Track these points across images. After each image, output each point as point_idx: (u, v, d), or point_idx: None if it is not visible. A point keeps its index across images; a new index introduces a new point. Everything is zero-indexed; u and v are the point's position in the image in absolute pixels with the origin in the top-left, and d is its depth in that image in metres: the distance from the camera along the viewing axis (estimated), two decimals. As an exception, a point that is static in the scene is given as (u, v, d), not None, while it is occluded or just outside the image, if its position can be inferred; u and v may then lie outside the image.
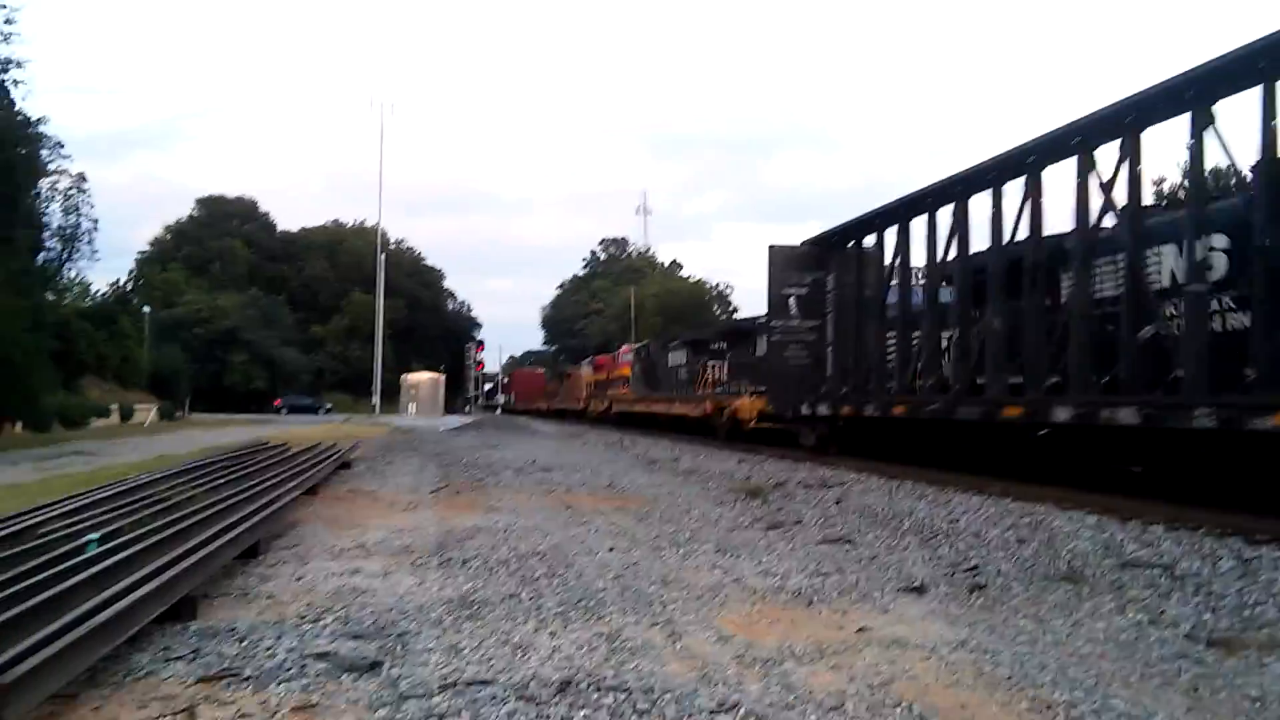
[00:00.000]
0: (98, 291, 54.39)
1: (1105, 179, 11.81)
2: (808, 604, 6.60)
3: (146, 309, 59.94)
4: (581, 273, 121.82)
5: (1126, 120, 11.24)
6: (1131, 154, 11.15)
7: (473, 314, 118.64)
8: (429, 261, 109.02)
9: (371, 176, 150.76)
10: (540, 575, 7.43)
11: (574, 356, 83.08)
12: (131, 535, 7.72)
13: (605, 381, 57.83)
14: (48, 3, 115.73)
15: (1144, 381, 11.34)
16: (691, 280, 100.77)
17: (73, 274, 44.01)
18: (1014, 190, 13.81)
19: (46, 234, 38.45)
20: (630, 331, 76.29)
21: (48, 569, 6.05)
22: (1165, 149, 37.63)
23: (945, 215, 15.47)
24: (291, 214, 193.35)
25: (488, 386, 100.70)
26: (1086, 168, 12.18)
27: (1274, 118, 9.17)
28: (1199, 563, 8.00)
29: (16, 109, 32.38)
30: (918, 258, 16.69)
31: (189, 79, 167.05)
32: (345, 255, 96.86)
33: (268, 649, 5.24)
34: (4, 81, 30.95)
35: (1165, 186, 40.48)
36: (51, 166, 38.11)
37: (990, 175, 14.14)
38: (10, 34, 30.69)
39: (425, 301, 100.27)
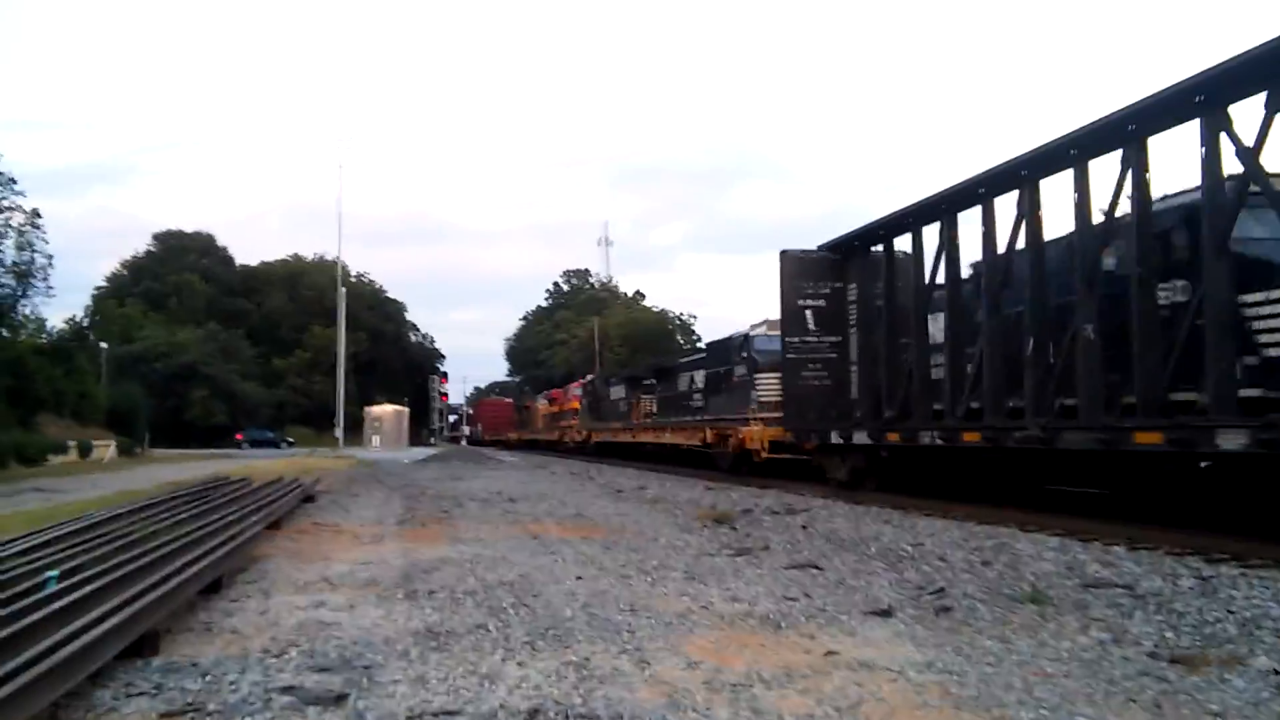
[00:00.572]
0: (54, 328, 53.25)
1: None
2: (776, 628, 6.59)
3: (104, 345, 58.63)
4: (545, 303, 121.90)
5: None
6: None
7: (436, 345, 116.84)
8: (391, 294, 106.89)
9: (331, 209, 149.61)
10: (507, 605, 7.33)
11: (539, 387, 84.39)
12: (92, 571, 7.61)
13: (559, 414, 60.29)
14: (1, 37, 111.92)
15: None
16: (655, 310, 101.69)
17: (27, 310, 43.06)
18: (1100, 168, 11.84)
19: (0, 270, 37.77)
20: (595, 362, 76.82)
21: (6, 606, 5.89)
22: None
23: (1007, 205, 13.30)
24: (250, 247, 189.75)
25: (452, 418, 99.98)
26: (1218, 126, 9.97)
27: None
28: (1160, 582, 8.06)
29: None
30: (969, 256, 14.74)
31: (146, 113, 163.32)
32: (305, 289, 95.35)
33: (231, 684, 5.14)
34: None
35: None
36: (4, 203, 37.41)
37: (1070, 152, 12.03)
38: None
39: (387, 334, 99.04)
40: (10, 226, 39.11)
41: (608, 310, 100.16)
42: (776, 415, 20.90)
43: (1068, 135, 12.00)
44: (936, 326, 15.12)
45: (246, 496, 16.19)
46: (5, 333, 37.69)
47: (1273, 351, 9.84)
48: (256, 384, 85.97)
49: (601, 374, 48.39)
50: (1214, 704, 4.83)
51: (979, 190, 13.82)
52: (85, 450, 40.18)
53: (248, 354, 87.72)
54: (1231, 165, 10.08)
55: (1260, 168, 9.57)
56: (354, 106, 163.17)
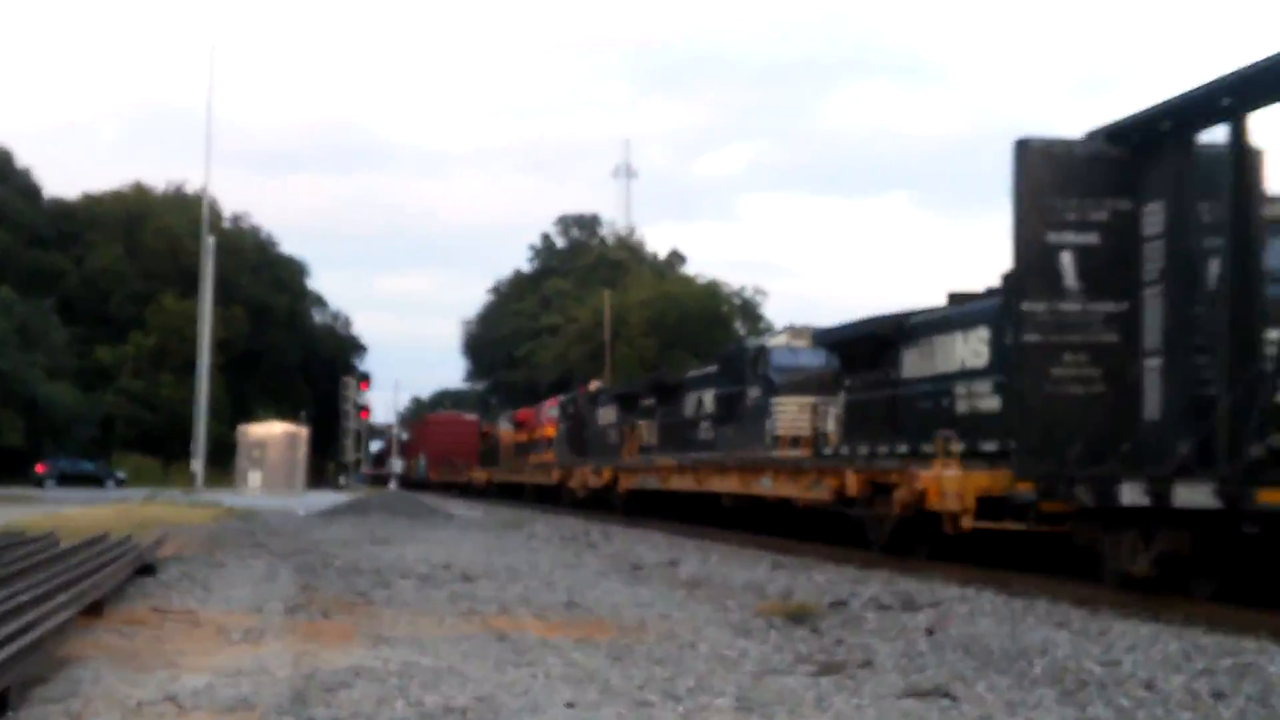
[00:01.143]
0: None
1: None
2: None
3: None
4: (527, 268, 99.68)
5: None
6: None
7: (354, 332, 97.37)
8: (286, 249, 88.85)
9: (196, 116, 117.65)
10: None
11: (518, 399, 70.64)
12: None
13: (527, 444, 52.81)
14: None
15: None
16: (701, 282, 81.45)
17: None
18: None
19: None
20: (605, 360, 63.88)
21: None
22: None
23: None
24: (68, 172, 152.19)
25: (376, 445, 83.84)
26: None
27: None
28: None
29: None
30: None
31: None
32: (152, 237, 76.38)
33: None
34: None
35: None
36: None
37: None
38: None
39: (278, 311, 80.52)
40: None
41: (628, 280, 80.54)
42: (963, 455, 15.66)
43: None
44: None
45: (49, 564, 14.41)
46: None
47: None
48: (70, 385, 68.65)
49: (613, 387, 43.18)
50: None
51: None
52: None
53: (58, 338, 70.41)
54: None
55: None
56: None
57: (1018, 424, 14.04)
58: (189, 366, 52.49)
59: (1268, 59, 11.29)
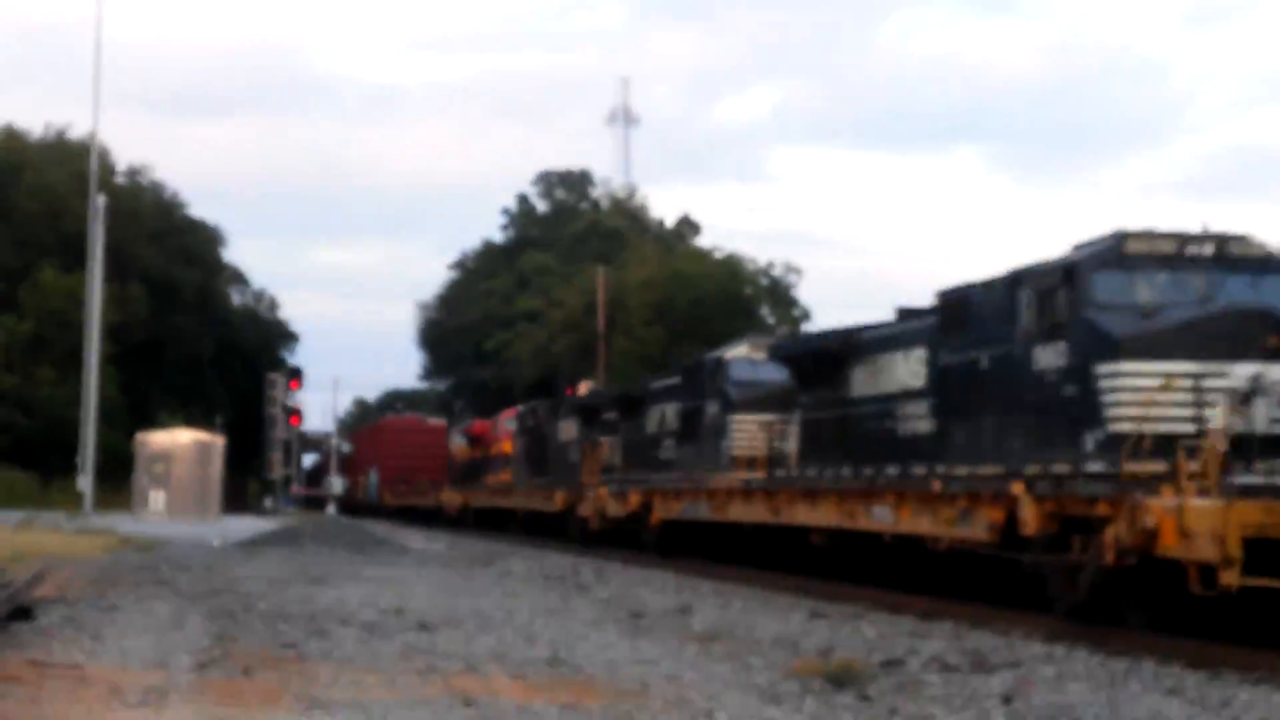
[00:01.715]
0: None
1: None
2: None
3: None
4: (500, 237, 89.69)
5: None
6: None
7: (282, 317, 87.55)
8: (196, 211, 79.73)
9: (82, 43, 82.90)
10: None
11: (485, 404, 64.38)
12: None
13: (482, 461, 49.74)
14: None
15: None
16: (719, 256, 71.95)
17: None
18: None
19: None
20: (598, 354, 58.08)
21: None
22: None
23: None
24: None
25: (310, 459, 77.88)
26: None
27: None
28: None
29: None
30: None
31: None
32: (26, 196, 68.06)
33: None
34: None
35: None
36: None
37: None
38: None
39: (186, 289, 72.22)
40: None
41: (627, 254, 71.74)
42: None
43: None
44: None
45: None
46: None
47: None
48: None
49: (576, 399, 40.24)
50: None
51: None
52: None
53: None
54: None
55: None
56: None
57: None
58: (74, 359, 47.24)
59: None
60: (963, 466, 15.43)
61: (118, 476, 48.33)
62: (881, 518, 17.19)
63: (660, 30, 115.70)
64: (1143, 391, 12.85)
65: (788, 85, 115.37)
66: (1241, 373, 12.69)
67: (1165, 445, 12.30)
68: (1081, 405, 13.60)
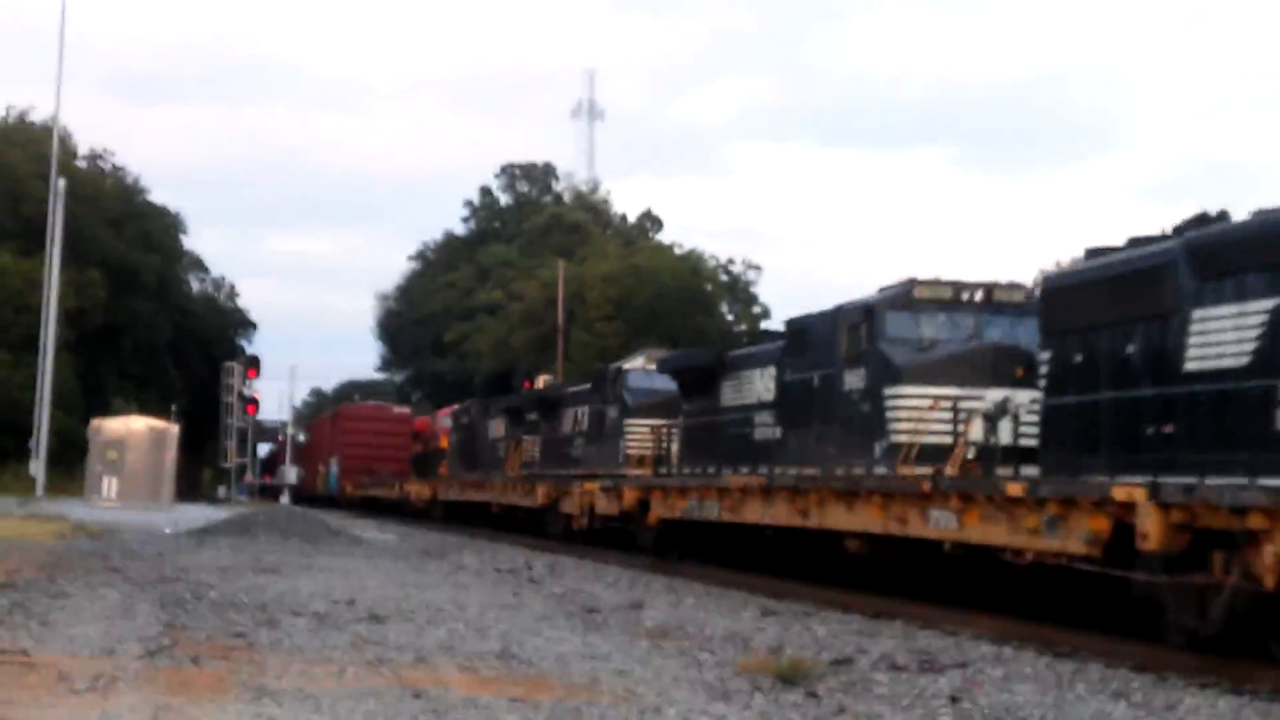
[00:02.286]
0: None
1: None
2: None
3: None
4: (461, 229, 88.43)
5: None
6: None
7: (240, 305, 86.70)
8: (155, 197, 78.32)
9: (45, 26, 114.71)
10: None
11: (443, 395, 63.48)
12: None
13: (424, 455, 51.04)
14: None
15: None
16: (681, 253, 72.15)
17: None
18: None
19: None
20: (558, 349, 57.57)
21: None
22: None
23: None
24: None
25: (266, 449, 76.96)
26: None
27: None
28: None
29: None
30: None
31: None
32: None
33: None
34: None
35: None
36: None
37: None
38: None
39: (145, 275, 70.78)
40: None
41: (588, 248, 72.14)
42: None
43: None
44: None
45: None
46: None
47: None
48: None
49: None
50: None
51: None
52: None
53: None
54: None
55: None
56: None
57: None
58: (30, 343, 46.98)
59: None
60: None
61: (71, 462, 47.76)
62: (942, 522, 14.56)
63: (627, 23, 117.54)
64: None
65: (752, 82, 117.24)
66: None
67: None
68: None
